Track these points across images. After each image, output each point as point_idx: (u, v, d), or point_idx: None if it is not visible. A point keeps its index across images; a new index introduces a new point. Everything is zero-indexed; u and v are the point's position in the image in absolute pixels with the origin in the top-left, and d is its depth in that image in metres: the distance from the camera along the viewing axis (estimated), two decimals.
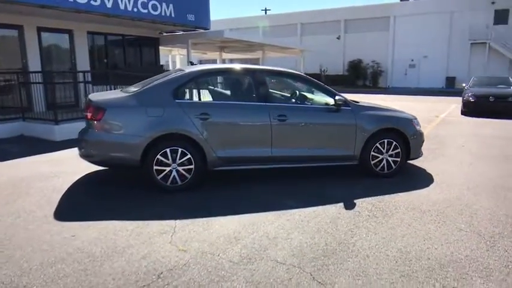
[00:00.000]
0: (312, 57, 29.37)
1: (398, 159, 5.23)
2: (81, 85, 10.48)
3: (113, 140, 4.44)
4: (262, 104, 4.76)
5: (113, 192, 4.62)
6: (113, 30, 12.80)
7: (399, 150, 5.20)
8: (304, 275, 2.76)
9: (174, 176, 4.50)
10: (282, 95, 5.49)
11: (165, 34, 14.56)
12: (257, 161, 4.81)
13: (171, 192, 4.51)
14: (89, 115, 4.48)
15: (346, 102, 4.99)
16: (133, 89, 5.00)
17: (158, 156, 4.42)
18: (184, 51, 20.60)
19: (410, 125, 5.32)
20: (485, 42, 26.93)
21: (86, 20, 11.36)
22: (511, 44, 26.34)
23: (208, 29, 13.72)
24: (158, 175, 4.46)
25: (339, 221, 3.75)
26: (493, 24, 27.02)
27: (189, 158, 4.50)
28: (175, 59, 23.07)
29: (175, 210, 4.02)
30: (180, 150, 4.46)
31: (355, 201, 4.32)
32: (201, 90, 4.86)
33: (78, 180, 5.12)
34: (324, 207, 4.13)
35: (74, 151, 7.02)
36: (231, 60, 24.33)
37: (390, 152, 5.19)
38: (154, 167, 4.44)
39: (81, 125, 8.78)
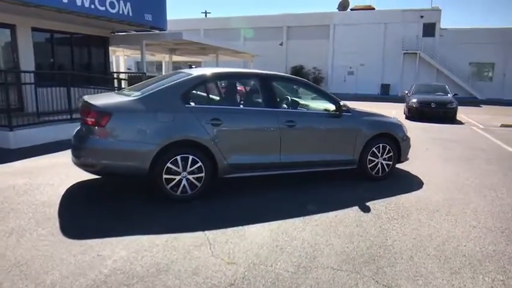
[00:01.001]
0: (257, 62, 29.78)
1: (391, 163, 5.52)
2: (26, 87, 9.51)
3: (118, 148, 4.08)
4: (271, 109, 4.72)
5: (114, 204, 4.25)
6: (61, 27, 11.78)
7: (392, 154, 5.48)
8: (367, 280, 2.79)
9: (184, 184, 4.26)
10: (286, 101, 5.48)
11: (116, 34, 13.76)
12: (267, 167, 4.76)
13: (181, 202, 4.28)
14: (91, 120, 4.07)
15: (348, 108, 5.14)
16: (131, 92, 4.67)
17: (168, 164, 4.16)
18: (129, 52, 19.72)
19: (400, 130, 5.64)
20: (416, 53, 29.59)
21: (32, 15, 10.33)
22: (437, 55, 29.24)
23: (164, 30, 13.25)
24: (167, 184, 4.20)
25: (365, 225, 3.85)
26: (422, 36, 29.79)
27: (200, 165, 4.30)
28: (119, 59, 21.88)
29: (198, 221, 3.82)
30: (190, 157, 4.25)
31: (366, 204, 4.46)
32: (209, 95, 4.67)
33: (66, 192, 4.62)
34: (343, 211, 4.20)
35: (39, 160, 6.40)
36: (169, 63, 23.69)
37: (384, 156, 5.44)
38: (164, 176, 4.17)
39: (38, 131, 8.07)
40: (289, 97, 5.84)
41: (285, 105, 5.62)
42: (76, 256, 3.02)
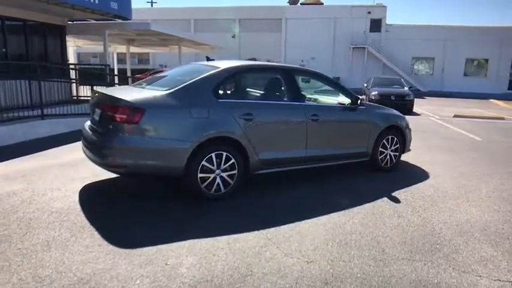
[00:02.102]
0: (209, 53, 29.34)
1: (398, 154, 5.76)
2: None
3: (152, 146, 3.80)
4: (298, 103, 4.70)
5: (143, 206, 3.97)
6: (12, 13, 10.67)
7: (398, 145, 5.72)
8: (445, 268, 2.90)
9: (218, 183, 4.10)
10: (306, 95, 5.44)
11: (75, 22, 12.73)
12: (294, 162, 4.73)
13: (215, 200, 4.11)
14: (121, 117, 3.72)
15: (362, 102, 5.25)
16: (147, 85, 4.38)
17: (203, 162, 3.97)
18: (82, 43, 18.40)
19: (405, 122, 5.90)
20: (364, 47, 31.04)
21: None
22: (384, 49, 30.95)
23: (129, 19, 12.52)
24: (202, 183, 4.01)
25: (405, 215, 3.99)
26: (369, 32, 31.30)
27: (233, 162, 4.15)
28: (68, 49, 20.26)
29: (246, 220, 3.70)
30: (224, 154, 4.09)
31: (392, 194, 4.62)
32: (238, 89, 4.51)
33: (81, 196, 4.22)
34: (375, 203, 4.31)
35: (24, 162, 5.74)
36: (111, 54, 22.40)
37: (392, 147, 5.66)
38: (199, 175, 3.97)
39: (6, 129, 7.21)
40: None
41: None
42: (143, 267, 2.78)
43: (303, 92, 5.10)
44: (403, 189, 4.83)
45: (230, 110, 4.14)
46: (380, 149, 5.53)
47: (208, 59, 4.96)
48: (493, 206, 4.34)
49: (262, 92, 4.82)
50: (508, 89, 30.78)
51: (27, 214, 3.70)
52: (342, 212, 4.00)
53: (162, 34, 14.43)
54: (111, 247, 3.08)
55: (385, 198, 4.47)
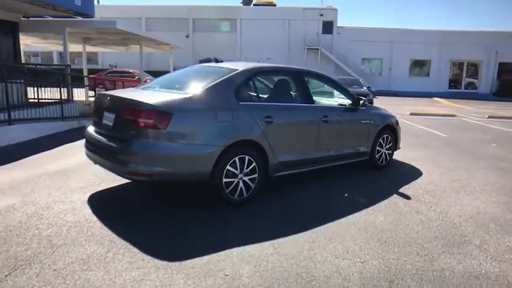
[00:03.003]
0: (164, 54, 28.60)
1: (391, 152, 6.04)
2: None
3: (179, 152, 3.64)
4: (311, 105, 4.76)
5: (165, 215, 3.81)
6: None
7: (391, 144, 6.00)
8: (484, 258, 3.11)
9: (241, 187, 4.03)
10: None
11: (30, 19, 11.75)
12: (307, 163, 4.78)
13: (237, 205, 4.04)
14: (145, 122, 3.51)
15: (364, 103, 5.44)
16: (165, 88, 4.22)
17: (227, 166, 3.88)
18: (31, 41, 17.03)
19: (395, 121, 6.19)
20: (318, 49, 31.99)
21: None
22: (335, 50, 32.13)
23: (92, 17, 11.83)
24: (226, 188, 3.92)
25: (421, 210, 4.20)
26: (322, 33, 32.33)
27: (254, 166, 4.11)
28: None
29: (275, 224, 3.69)
30: (247, 158, 4.03)
31: (400, 191, 4.84)
32: (256, 91, 4.46)
33: (92, 207, 3.94)
34: (389, 200, 4.49)
35: (6, 173, 5.16)
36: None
37: (386, 146, 5.92)
38: (224, 180, 3.88)
39: None
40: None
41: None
42: (204, 280, 2.66)
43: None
44: (406, 186, 5.08)
45: (251, 112, 4.08)
46: (377, 148, 5.76)
47: (217, 61, 4.83)
48: (491, 199, 4.70)
49: (278, 94, 4.80)
50: (449, 88, 33.50)
51: (43, 231, 3.38)
52: (364, 211, 4.11)
53: (124, 33, 13.77)
54: (156, 261, 2.91)
55: (396, 195, 4.66)
